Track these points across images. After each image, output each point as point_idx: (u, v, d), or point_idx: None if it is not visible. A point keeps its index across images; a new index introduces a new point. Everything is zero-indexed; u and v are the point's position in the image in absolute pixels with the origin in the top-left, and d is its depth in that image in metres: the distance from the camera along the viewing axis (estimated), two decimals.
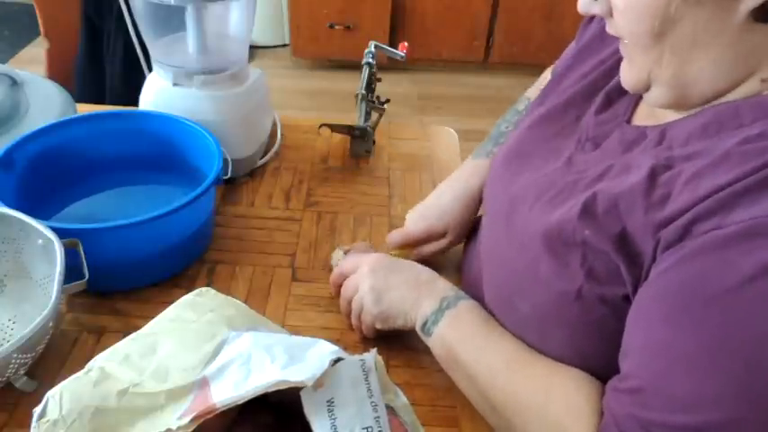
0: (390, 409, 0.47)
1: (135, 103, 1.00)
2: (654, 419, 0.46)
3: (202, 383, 0.47)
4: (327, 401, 0.45)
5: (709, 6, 0.47)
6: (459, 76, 3.16)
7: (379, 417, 0.45)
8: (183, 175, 0.91)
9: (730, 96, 0.51)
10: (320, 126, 1.05)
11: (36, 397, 0.62)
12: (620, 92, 0.63)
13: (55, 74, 1.77)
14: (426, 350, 0.72)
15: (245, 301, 0.65)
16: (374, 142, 1.08)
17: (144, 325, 0.55)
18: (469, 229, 0.85)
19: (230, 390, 0.45)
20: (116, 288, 0.78)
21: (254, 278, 0.83)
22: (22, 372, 0.64)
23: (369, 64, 1.08)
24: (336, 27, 2.97)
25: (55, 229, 0.68)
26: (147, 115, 0.94)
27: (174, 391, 0.47)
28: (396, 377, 0.51)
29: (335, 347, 0.48)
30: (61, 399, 0.47)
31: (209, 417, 0.44)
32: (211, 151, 0.85)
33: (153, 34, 0.96)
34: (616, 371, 0.52)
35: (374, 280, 0.69)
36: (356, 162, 1.08)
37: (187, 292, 0.58)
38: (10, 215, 0.70)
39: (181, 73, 0.94)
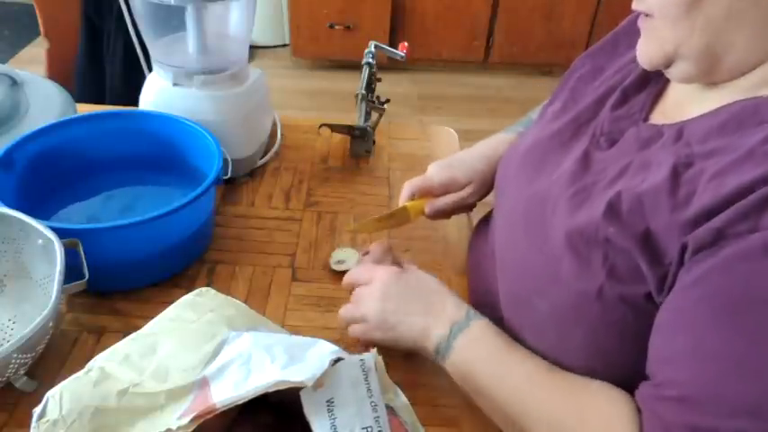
0: (390, 409, 0.47)
1: (135, 103, 1.00)
2: (711, 425, 0.45)
3: (202, 383, 0.47)
4: (327, 401, 0.45)
5: None
6: (459, 76, 3.16)
7: (378, 417, 0.45)
8: (183, 175, 0.91)
9: (753, 76, 0.51)
10: (320, 126, 1.06)
11: (36, 397, 0.62)
12: (637, 89, 0.63)
13: (55, 74, 1.77)
14: None
15: (245, 301, 0.65)
16: (374, 142, 1.08)
17: (144, 325, 0.55)
18: (488, 189, 0.83)
19: (230, 390, 0.45)
20: (116, 288, 0.78)
21: (254, 278, 0.83)
22: (22, 372, 0.64)
23: (369, 64, 1.08)
24: (336, 27, 2.97)
25: (55, 229, 0.68)
26: (147, 115, 0.94)
27: (174, 391, 0.47)
28: (396, 377, 0.51)
29: (335, 347, 0.48)
30: (61, 399, 0.48)
31: (209, 417, 0.44)
32: (211, 151, 0.85)
33: (153, 34, 0.96)
34: (635, 371, 0.52)
35: (384, 303, 0.67)
36: (356, 162, 1.08)
37: (187, 292, 0.58)
38: (10, 215, 0.70)
39: (181, 73, 0.94)
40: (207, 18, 0.94)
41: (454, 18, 2.98)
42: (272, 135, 1.10)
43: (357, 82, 1.08)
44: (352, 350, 0.65)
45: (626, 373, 0.54)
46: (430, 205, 0.82)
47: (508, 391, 0.59)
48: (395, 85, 2.95)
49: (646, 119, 0.60)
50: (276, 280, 0.83)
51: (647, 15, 0.54)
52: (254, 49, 3.24)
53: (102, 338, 0.73)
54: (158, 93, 0.96)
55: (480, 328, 0.64)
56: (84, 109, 1.01)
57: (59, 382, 0.49)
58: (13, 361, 0.60)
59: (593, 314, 0.54)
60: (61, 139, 0.88)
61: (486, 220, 0.83)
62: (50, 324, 0.64)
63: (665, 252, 0.49)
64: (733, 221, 0.45)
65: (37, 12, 1.76)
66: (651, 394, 0.51)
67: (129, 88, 1.13)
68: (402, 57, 1.12)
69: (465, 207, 0.84)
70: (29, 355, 0.62)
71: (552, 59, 3.04)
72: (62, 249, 0.66)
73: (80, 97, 1.13)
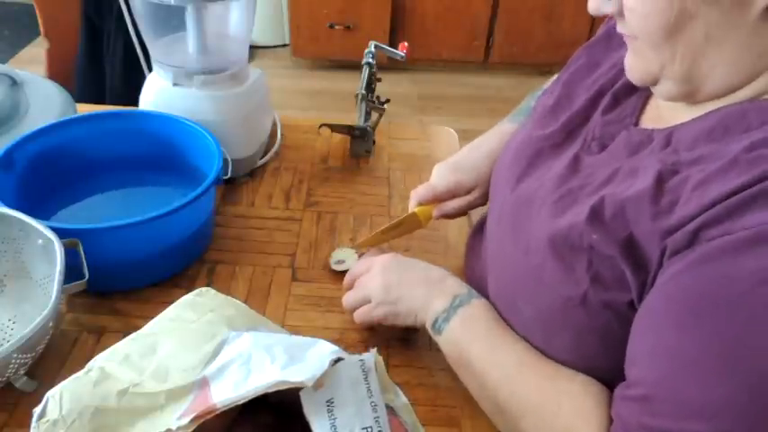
0: (390, 409, 0.47)
1: (135, 103, 1.00)
2: (664, 427, 0.46)
3: (202, 383, 0.47)
4: (327, 401, 0.45)
5: (724, 3, 0.47)
6: (459, 76, 3.16)
7: (378, 417, 0.45)
8: (183, 175, 0.91)
9: (740, 94, 0.51)
10: (320, 126, 1.06)
11: (36, 397, 0.62)
12: (627, 92, 0.63)
13: (55, 74, 1.77)
14: (426, 350, 0.72)
15: (245, 301, 0.65)
16: (374, 142, 1.08)
17: (144, 325, 0.55)
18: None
19: (230, 390, 0.45)
20: (116, 288, 0.78)
21: (254, 278, 0.83)
22: (22, 372, 0.64)
23: (369, 64, 1.08)
24: (336, 27, 2.97)
25: (55, 229, 0.68)
26: (147, 115, 0.94)
27: (174, 391, 0.47)
28: (396, 377, 0.51)
29: (335, 347, 0.48)
30: (61, 399, 0.48)
31: (209, 417, 0.44)
32: (211, 151, 0.85)
33: (153, 34, 0.96)
34: (619, 377, 0.52)
35: (385, 278, 0.69)
36: (356, 162, 1.08)
37: (187, 292, 0.58)
38: (10, 215, 0.70)
39: (181, 73, 0.94)
40: (207, 18, 0.94)
41: (454, 18, 2.98)
42: (272, 135, 1.10)
43: (357, 82, 1.08)
44: (352, 350, 0.65)
45: (610, 377, 0.54)
46: (438, 210, 0.81)
47: (499, 374, 0.60)
48: (395, 85, 2.95)
49: (636, 122, 0.60)
50: (276, 280, 0.83)
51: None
52: (254, 49, 3.24)
53: (102, 338, 0.73)
54: (158, 93, 0.96)
55: (480, 307, 0.65)
56: (84, 109, 1.01)
57: (59, 382, 0.49)
58: (13, 361, 0.60)
59: (577, 320, 0.55)
60: (61, 139, 0.88)
61: (484, 220, 0.83)
62: (50, 324, 0.64)
63: (648, 259, 0.49)
64: (707, 225, 0.45)
65: (37, 12, 1.76)
66: (618, 395, 0.51)
67: (129, 88, 1.13)
68: (402, 57, 1.12)
69: (474, 208, 0.84)
70: (29, 355, 0.62)
71: (552, 59, 3.03)
72: (62, 249, 0.66)
73: (80, 97, 1.13)
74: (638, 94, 0.62)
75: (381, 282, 0.69)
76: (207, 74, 0.94)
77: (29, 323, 0.60)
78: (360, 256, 0.80)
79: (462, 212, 0.84)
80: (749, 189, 0.44)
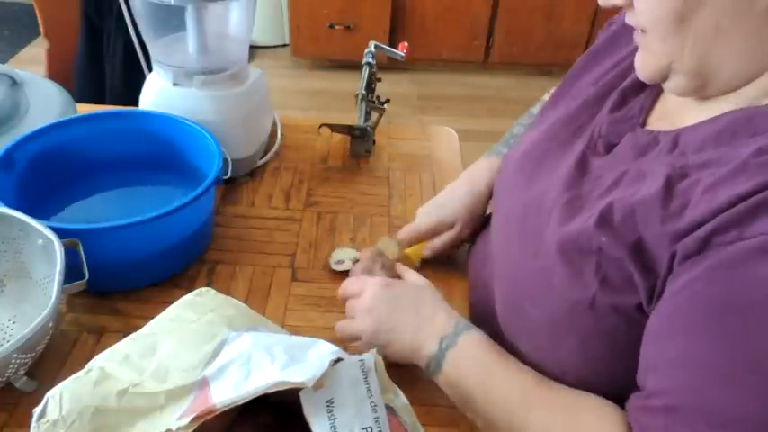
0: (390, 409, 0.47)
1: (135, 103, 1.00)
2: None
3: (202, 384, 0.47)
4: (327, 402, 0.45)
5: None
6: (459, 76, 3.16)
7: (378, 417, 0.45)
8: (183, 175, 0.91)
9: (747, 91, 0.51)
10: (320, 126, 1.05)
11: (36, 397, 0.62)
12: (635, 91, 0.62)
13: (55, 74, 1.77)
14: None
15: (245, 301, 0.65)
16: (374, 142, 1.08)
17: (144, 325, 0.55)
18: (480, 224, 0.85)
19: (230, 390, 0.45)
20: (116, 288, 0.78)
21: (254, 278, 0.83)
22: (22, 372, 0.64)
23: (369, 64, 1.08)
24: (336, 27, 2.97)
25: (55, 229, 0.68)
26: (147, 115, 0.94)
27: (174, 391, 0.47)
28: (396, 377, 0.51)
29: (335, 348, 0.48)
30: (61, 399, 0.48)
31: (209, 417, 0.44)
32: (211, 151, 0.85)
33: (153, 34, 0.96)
34: (624, 380, 0.52)
35: (374, 318, 0.66)
36: (356, 162, 1.08)
37: (187, 292, 0.58)
38: (10, 215, 0.70)
39: (181, 73, 0.94)
40: (207, 18, 0.94)
41: (454, 18, 2.98)
42: (272, 135, 1.10)
43: (357, 82, 1.08)
44: (352, 350, 0.65)
45: (617, 383, 0.54)
46: (428, 248, 0.85)
47: (500, 408, 0.58)
48: (395, 85, 2.95)
49: (644, 123, 0.60)
50: (276, 280, 0.83)
51: (642, 31, 0.55)
52: (254, 49, 3.23)
53: (102, 338, 0.73)
54: (158, 93, 0.96)
55: (468, 342, 0.62)
56: (84, 109, 1.01)
57: (59, 382, 0.49)
58: (13, 361, 0.60)
59: (585, 323, 0.54)
60: (61, 139, 0.88)
61: (486, 227, 0.83)
62: (50, 324, 0.64)
63: (657, 262, 0.49)
64: (719, 230, 0.45)
65: (37, 12, 1.76)
66: (638, 406, 0.51)
67: (129, 88, 1.13)
68: (402, 57, 1.12)
69: (462, 241, 0.86)
70: (29, 355, 0.62)
71: (552, 59, 3.03)
72: (62, 249, 0.66)
73: (80, 97, 1.13)
74: (645, 93, 0.62)
75: (370, 324, 0.66)
76: (207, 74, 0.94)
77: (29, 323, 0.60)
78: (354, 263, 0.80)
79: (452, 247, 0.86)
80: (759, 194, 0.45)
